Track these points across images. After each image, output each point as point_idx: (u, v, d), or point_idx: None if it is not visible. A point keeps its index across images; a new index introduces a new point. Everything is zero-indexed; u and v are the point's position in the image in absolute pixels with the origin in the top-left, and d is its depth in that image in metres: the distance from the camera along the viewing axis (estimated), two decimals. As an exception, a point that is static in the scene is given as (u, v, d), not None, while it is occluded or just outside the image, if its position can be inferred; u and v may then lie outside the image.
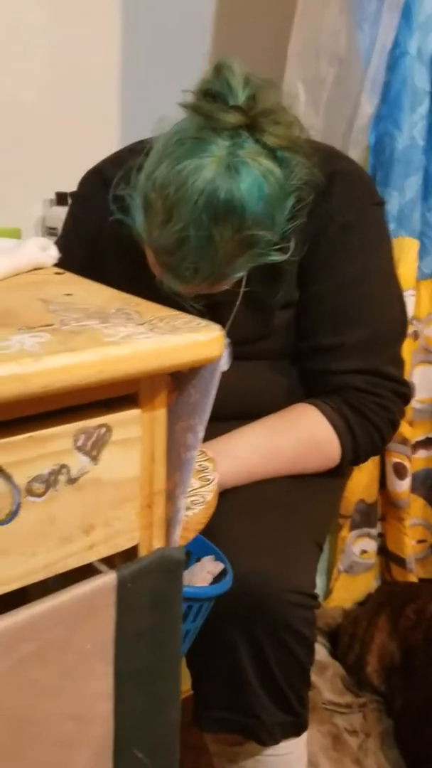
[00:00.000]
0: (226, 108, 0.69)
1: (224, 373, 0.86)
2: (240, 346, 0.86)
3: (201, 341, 0.47)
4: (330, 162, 0.83)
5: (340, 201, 0.83)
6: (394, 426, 0.88)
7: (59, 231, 1.22)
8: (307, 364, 0.89)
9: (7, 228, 1.29)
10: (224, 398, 0.85)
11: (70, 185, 1.41)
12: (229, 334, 0.84)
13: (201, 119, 0.69)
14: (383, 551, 1.37)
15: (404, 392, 0.88)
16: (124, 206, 0.76)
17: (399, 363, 0.89)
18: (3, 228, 1.28)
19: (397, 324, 0.89)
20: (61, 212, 1.43)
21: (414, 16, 1.12)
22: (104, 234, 0.85)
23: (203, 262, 0.70)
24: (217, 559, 0.72)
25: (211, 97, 0.70)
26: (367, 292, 0.85)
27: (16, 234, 1.28)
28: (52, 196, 1.46)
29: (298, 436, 0.85)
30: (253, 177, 0.68)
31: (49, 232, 1.47)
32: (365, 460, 0.92)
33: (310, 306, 0.85)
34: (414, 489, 1.32)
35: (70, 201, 1.00)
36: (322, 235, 0.82)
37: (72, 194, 1.00)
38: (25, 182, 1.43)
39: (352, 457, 0.87)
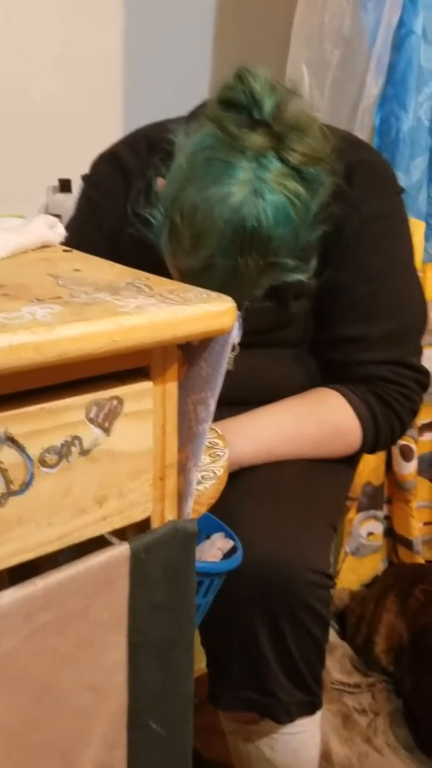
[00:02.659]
0: (251, 123, 0.68)
1: (242, 361, 0.86)
2: (257, 335, 0.86)
3: (213, 311, 0.47)
4: (351, 152, 0.82)
5: (363, 192, 0.82)
6: (415, 414, 0.88)
7: (63, 218, 1.22)
8: (330, 354, 0.88)
9: (10, 215, 1.29)
10: (242, 386, 0.85)
11: (73, 172, 1.41)
12: (245, 323, 0.84)
13: (226, 137, 0.68)
14: (390, 533, 1.37)
15: (425, 382, 0.88)
16: (145, 219, 0.75)
17: (420, 353, 0.89)
18: (6, 215, 1.28)
19: (420, 314, 0.89)
20: (65, 199, 1.43)
21: (419, -6, 1.12)
22: (125, 232, 0.84)
23: (228, 287, 0.70)
24: (227, 536, 0.72)
25: (234, 107, 0.69)
26: (391, 283, 0.84)
27: (19, 221, 1.28)
28: (55, 183, 1.45)
29: (321, 420, 0.84)
30: (279, 204, 0.68)
31: (53, 219, 1.46)
32: (383, 449, 0.92)
33: (332, 296, 0.84)
34: (420, 471, 1.33)
35: (81, 185, 0.97)
36: (345, 225, 0.81)
37: (85, 178, 0.96)
38: (28, 169, 1.43)
39: (372, 446, 0.87)
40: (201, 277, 0.70)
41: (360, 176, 0.82)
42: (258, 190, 0.67)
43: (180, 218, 0.69)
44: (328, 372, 0.89)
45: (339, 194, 0.78)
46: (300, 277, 0.74)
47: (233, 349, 0.86)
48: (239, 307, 0.77)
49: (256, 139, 0.67)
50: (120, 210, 0.86)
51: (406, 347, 0.86)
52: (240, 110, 0.69)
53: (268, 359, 0.89)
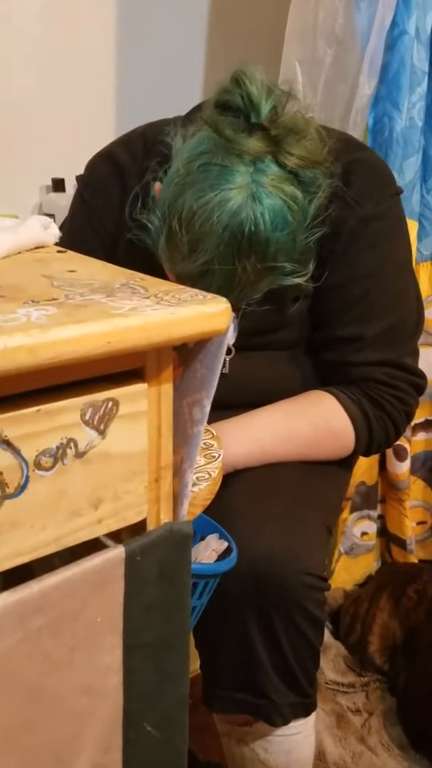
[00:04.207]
0: (248, 127, 0.68)
1: (239, 364, 0.86)
2: (254, 337, 0.86)
3: (208, 313, 0.47)
4: (348, 152, 0.82)
5: (359, 192, 0.81)
6: (409, 418, 0.88)
7: (57, 217, 1.21)
8: (325, 355, 0.88)
9: (4, 215, 1.28)
10: (239, 388, 0.85)
11: (66, 171, 1.40)
12: (241, 325, 0.84)
13: (223, 141, 0.68)
14: (383, 533, 1.38)
15: (421, 384, 0.88)
16: (142, 224, 0.75)
17: (416, 354, 0.89)
18: (0, 215, 1.27)
19: (414, 315, 0.89)
20: (58, 198, 1.42)
21: (412, -5, 1.12)
22: (120, 234, 0.84)
23: (226, 291, 0.70)
24: (221, 537, 0.72)
25: (230, 110, 0.69)
26: (386, 283, 0.84)
27: (12, 220, 1.27)
28: (48, 182, 1.45)
29: (315, 422, 0.84)
30: (277, 208, 0.68)
31: (46, 218, 1.46)
32: (377, 452, 0.92)
33: (328, 296, 0.84)
34: (414, 471, 1.33)
35: (75, 185, 0.96)
36: (342, 226, 0.81)
37: (80, 178, 0.95)
38: (21, 168, 1.42)
39: (365, 448, 0.87)
40: (199, 282, 0.69)
41: (356, 176, 0.82)
42: (255, 195, 0.67)
43: (178, 224, 0.69)
44: (323, 373, 0.89)
45: (336, 196, 0.78)
46: (298, 280, 0.74)
47: (229, 352, 0.86)
48: (235, 311, 0.77)
49: (254, 144, 0.67)
50: (115, 211, 0.85)
51: (401, 348, 0.86)
52: (237, 114, 0.69)
53: (263, 361, 0.89)
